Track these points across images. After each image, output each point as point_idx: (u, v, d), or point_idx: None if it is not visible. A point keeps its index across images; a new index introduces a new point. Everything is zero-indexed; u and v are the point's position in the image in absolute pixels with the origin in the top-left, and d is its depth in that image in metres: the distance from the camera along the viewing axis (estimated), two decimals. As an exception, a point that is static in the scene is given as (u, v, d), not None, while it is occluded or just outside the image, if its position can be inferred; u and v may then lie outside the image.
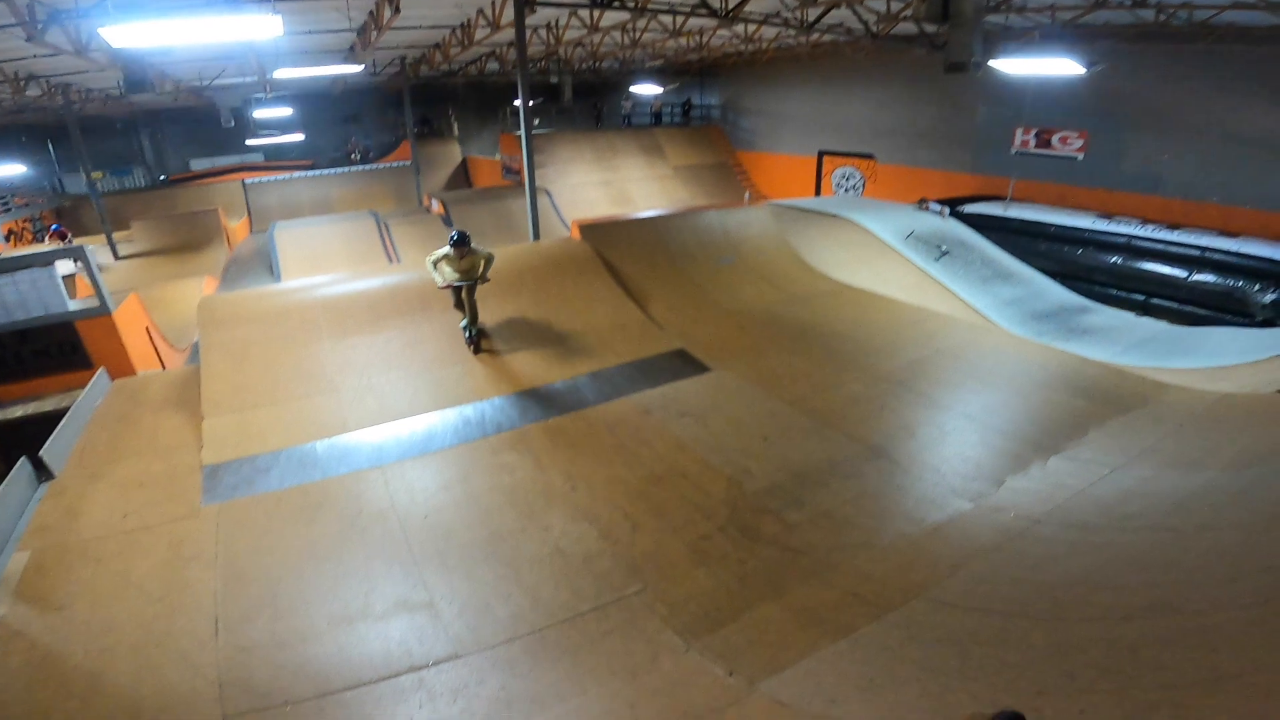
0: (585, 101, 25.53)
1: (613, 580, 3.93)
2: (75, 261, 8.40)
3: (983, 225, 12.94)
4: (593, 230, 8.84)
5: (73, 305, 7.68)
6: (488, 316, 7.10)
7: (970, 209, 13.77)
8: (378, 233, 14.70)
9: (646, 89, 21.06)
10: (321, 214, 18.26)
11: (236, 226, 17.78)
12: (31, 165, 21.85)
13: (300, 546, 4.31)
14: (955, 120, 16.39)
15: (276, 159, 25.88)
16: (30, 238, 18.73)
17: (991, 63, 9.96)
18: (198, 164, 25.63)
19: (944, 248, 10.97)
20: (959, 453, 5.14)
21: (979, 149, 16.04)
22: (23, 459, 5.20)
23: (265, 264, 13.81)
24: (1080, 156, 14.18)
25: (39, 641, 3.68)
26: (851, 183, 19.23)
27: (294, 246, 13.63)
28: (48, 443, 5.42)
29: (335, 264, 12.43)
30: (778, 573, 3.95)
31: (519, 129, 9.45)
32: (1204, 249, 11.25)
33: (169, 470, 5.15)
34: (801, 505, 4.52)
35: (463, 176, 25.30)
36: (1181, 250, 11.48)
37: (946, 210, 12.95)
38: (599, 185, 18.51)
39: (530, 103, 9.22)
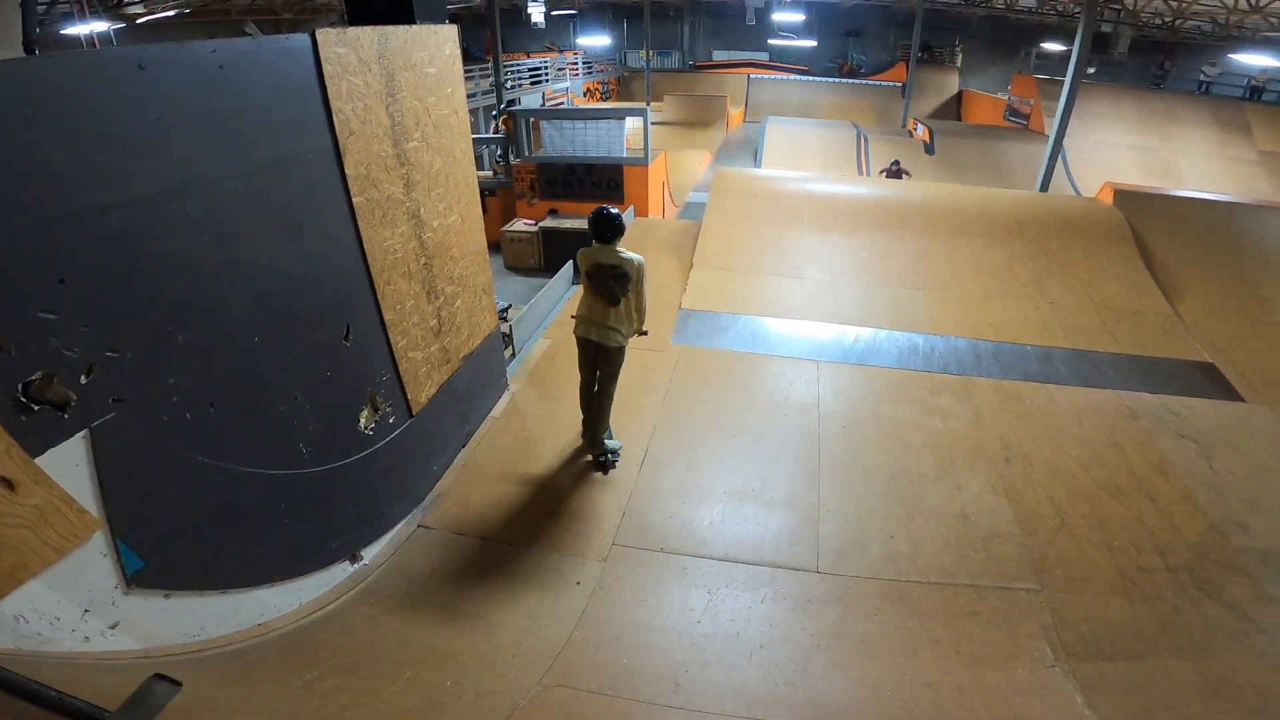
0: (1145, 58, 21.88)
1: (1007, 569, 3.45)
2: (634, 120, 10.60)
3: None
4: (1131, 197, 7.16)
5: (624, 154, 9.84)
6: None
7: None
8: (855, 144, 14.71)
9: (1252, 59, 16.48)
10: (806, 116, 19.05)
11: (735, 114, 19.98)
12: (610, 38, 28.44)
13: (733, 409, 4.59)
14: None
15: (779, 60, 28.11)
16: (598, 97, 24.39)
17: None
18: (719, 55, 29.51)
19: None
20: None
21: None
22: (571, 261, 6.85)
23: (750, 151, 15.30)
24: None
25: (529, 426, 4.39)
26: None
27: (779, 140, 14.69)
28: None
29: (810, 164, 12.99)
30: (1213, 635, 3.06)
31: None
32: None
33: (655, 303, 6.09)
34: (1297, 584, 3.29)
35: (954, 109, 23.35)
36: None
37: None
38: (1132, 150, 14.61)
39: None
